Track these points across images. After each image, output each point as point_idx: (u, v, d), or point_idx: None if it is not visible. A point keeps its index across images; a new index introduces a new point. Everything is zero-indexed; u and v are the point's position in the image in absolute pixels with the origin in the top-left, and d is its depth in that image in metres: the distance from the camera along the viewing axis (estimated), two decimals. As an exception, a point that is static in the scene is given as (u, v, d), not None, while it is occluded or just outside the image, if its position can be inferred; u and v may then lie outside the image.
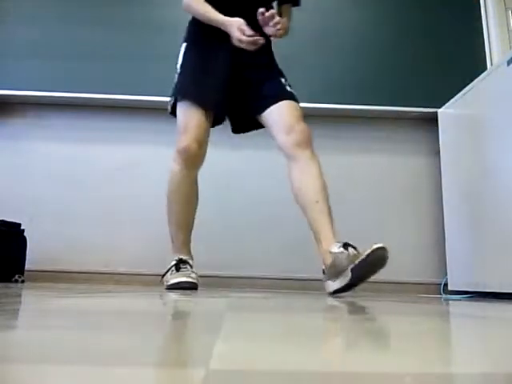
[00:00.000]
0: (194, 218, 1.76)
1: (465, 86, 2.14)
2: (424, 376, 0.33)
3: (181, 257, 1.71)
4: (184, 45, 1.81)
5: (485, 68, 2.37)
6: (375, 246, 1.33)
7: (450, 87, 2.28)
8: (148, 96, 2.34)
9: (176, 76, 1.76)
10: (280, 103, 1.66)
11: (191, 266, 1.70)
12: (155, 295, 1.33)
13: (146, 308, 0.93)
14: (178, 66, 1.78)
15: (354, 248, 1.39)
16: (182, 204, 1.73)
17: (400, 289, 2.31)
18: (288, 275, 2.33)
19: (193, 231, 1.77)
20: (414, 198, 2.46)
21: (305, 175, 1.58)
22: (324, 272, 1.49)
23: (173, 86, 1.76)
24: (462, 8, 2.57)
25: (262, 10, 1.57)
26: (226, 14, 1.66)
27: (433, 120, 2.41)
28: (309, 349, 0.44)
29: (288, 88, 1.72)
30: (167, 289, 1.66)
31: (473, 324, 0.80)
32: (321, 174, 1.57)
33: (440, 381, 0.33)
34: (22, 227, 2.14)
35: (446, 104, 2.32)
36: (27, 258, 2.12)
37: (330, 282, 1.46)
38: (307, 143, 1.61)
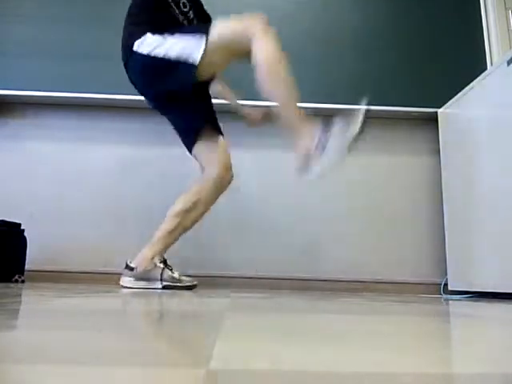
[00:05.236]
0: None
1: (465, 86, 2.14)
2: (424, 376, 0.33)
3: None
4: (148, 34, 1.63)
5: (485, 68, 2.37)
6: (188, 284, 1.69)
7: (449, 87, 2.28)
8: (148, 96, 2.33)
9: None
10: (223, 139, 1.80)
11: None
12: (155, 295, 1.33)
13: (146, 308, 0.92)
14: (168, 44, 1.59)
15: (170, 269, 1.70)
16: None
17: (400, 289, 2.31)
18: (288, 275, 2.33)
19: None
20: (414, 197, 2.46)
21: (188, 197, 1.74)
22: (128, 265, 1.72)
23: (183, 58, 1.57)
24: (462, 8, 2.57)
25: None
26: None
27: (433, 120, 2.41)
28: (308, 349, 0.44)
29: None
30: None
31: (473, 324, 0.80)
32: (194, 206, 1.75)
33: (440, 381, 0.33)
34: (22, 227, 2.14)
35: (446, 104, 2.32)
36: (27, 258, 2.12)
37: (128, 278, 1.71)
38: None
